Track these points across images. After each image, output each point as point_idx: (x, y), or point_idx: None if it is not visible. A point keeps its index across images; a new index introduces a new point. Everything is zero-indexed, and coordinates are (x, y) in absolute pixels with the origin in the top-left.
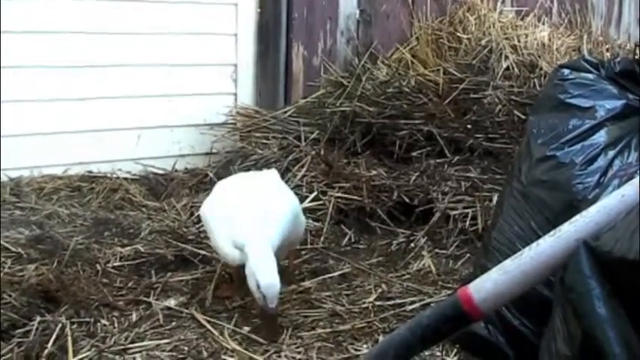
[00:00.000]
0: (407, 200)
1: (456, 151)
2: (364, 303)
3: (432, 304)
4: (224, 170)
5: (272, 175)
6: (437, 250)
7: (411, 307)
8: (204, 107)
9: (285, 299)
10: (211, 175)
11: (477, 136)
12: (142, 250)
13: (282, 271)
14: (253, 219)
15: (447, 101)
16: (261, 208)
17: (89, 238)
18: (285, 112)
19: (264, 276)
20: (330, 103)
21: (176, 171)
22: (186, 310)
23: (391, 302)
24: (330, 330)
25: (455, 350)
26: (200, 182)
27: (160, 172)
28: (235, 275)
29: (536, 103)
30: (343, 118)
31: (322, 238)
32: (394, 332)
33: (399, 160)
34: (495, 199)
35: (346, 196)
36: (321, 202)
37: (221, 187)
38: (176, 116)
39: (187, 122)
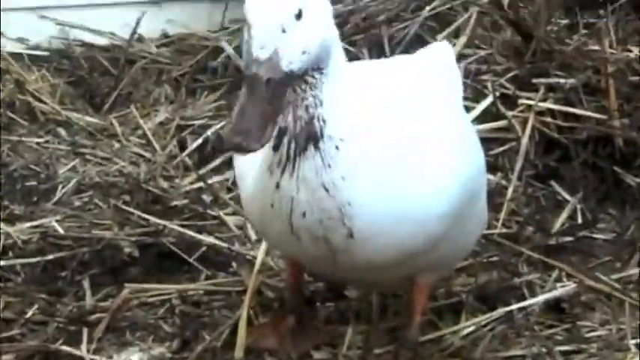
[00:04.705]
0: None
1: None
2: None
3: None
4: None
5: (438, 62)
6: None
7: None
8: None
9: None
10: (228, 49)
11: None
12: (60, 230)
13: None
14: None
15: None
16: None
17: None
18: None
19: None
20: None
21: (138, 39)
22: None
23: None
24: None
25: None
26: (199, 68)
27: (103, 41)
28: (292, 295)
29: None
30: None
31: (504, 213)
32: None
33: None
34: None
35: (566, 109)
36: (503, 122)
37: None
38: None
39: None
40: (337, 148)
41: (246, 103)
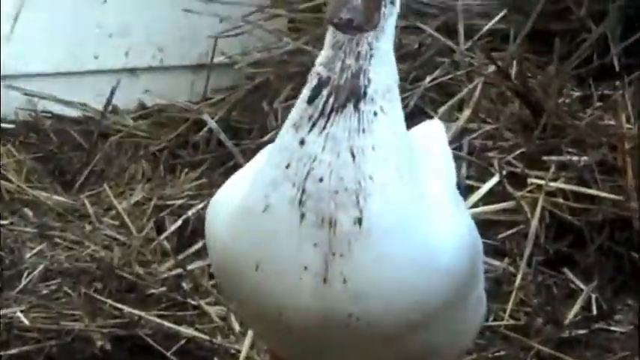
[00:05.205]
0: None
1: None
2: None
3: None
4: (243, 112)
5: (429, 140)
6: None
7: None
8: None
9: None
10: (211, 122)
11: None
12: (26, 321)
13: None
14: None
15: None
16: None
17: None
18: None
19: None
20: None
21: (112, 111)
22: None
23: None
24: None
25: None
26: (178, 142)
27: (74, 112)
28: None
29: None
30: None
31: (511, 303)
32: None
33: None
34: None
35: (579, 189)
36: (511, 203)
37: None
38: None
39: None
40: (376, 114)
41: None
